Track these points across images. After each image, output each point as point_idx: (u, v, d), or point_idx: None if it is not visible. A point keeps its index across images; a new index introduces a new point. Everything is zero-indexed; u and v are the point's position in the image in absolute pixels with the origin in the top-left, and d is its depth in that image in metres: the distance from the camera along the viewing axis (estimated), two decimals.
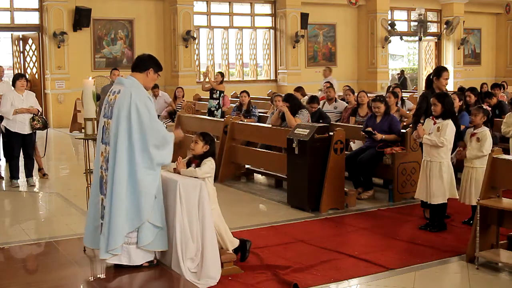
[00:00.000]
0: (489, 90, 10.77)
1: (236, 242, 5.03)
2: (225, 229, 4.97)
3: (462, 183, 6.16)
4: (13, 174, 8.62)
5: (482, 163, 6.11)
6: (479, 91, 9.31)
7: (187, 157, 5.09)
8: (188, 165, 4.99)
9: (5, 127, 8.47)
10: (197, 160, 4.95)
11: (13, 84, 8.67)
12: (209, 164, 4.89)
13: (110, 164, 4.60)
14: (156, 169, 4.62)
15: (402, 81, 21.93)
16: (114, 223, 4.52)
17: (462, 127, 7.87)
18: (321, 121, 8.59)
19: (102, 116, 4.80)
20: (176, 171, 4.90)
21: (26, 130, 8.45)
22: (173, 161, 5.03)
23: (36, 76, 16.53)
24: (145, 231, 4.59)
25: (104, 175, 4.69)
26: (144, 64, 4.84)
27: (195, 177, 4.75)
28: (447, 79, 6.78)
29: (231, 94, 14.45)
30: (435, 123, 6.07)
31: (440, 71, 6.91)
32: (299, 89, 11.57)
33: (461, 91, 9.40)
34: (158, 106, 12.56)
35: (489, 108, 7.98)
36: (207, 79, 12.32)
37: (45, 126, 8.60)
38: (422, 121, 6.74)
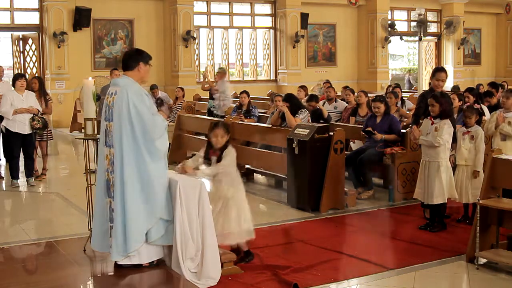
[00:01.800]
0: (490, 89, 10.74)
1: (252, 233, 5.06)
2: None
3: (457, 182, 6.18)
4: (13, 174, 8.62)
5: (475, 163, 6.14)
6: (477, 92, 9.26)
7: (199, 153, 5.11)
8: (206, 158, 5.04)
9: (5, 127, 8.47)
10: (217, 152, 4.99)
11: (13, 84, 8.66)
12: (232, 154, 4.99)
13: (116, 166, 4.59)
14: (163, 157, 4.68)
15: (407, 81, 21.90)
16: (132, 224, 4.51)
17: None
18: (321, 121, 8.60)
19: (103, 119, 4.80)
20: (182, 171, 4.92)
21: (26, 130, 8.44)
22: (175, 161, 5.04)
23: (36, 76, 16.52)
24: (156, 225, 4.60)
25: (111, 178, 4.67)
26: (131, 61, 4.81)
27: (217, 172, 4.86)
28: (440, 80, 6.75)
29: (231, 94, 14.42)
30: (433, 123, 6.07)
31: (434, 71, 6.94)
32: (302, 88, 11.65)
33: (456, 89, 9.41)
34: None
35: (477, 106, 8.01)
36: (206, 80, 12.34)
37: (45, 126, 8.60)
38: (421, 121, 6.75)
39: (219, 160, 4.96)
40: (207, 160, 5.02)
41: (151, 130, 4.57)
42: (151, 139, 4.57)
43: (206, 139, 5.34)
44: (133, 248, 4.53)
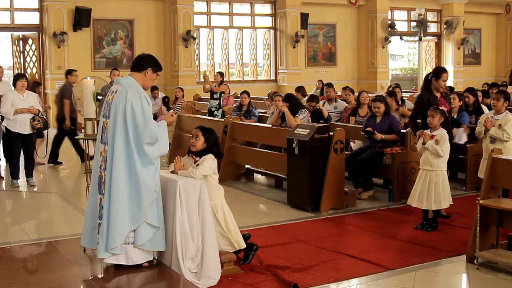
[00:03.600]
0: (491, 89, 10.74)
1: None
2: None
3: (417, 186, 6.10)
4: (13, 174, 8.61)
5: (440, 166, 6.03)
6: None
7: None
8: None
9: (5, 127, 8.47)
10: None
11: (14, 84, 8.65)
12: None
13: (108, 163, 4.61)
14: (155, 162, 4.64)
15: None
16: (114, 222, 4.52)
17: (463, 126, 7.88)
18: (321, 121, 8.60)
19: (101, 116, 4.82)
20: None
21: (26, 130, 8.43)
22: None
23: (36, 76, 16.52)
24: (141, 230, 4.59)
25: (103, 175, 4.69)
26: (142, 63, 4.83)
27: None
28: (445, 80, 6.72)
29: (231, 94, 14.44)
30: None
31: (439, 72, 6.79)
32: (299, 89, 11.61)
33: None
34: (157, 107, 12.59)
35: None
36: (207, 85, 12.36)
37: (45, 126, 8.59)
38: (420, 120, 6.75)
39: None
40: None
41: (142, 134, 4.55)
42: (140, 143, 4.56)
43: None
44: (112, 246, 4.53)
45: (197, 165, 4.85)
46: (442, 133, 6.08)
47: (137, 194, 4.56)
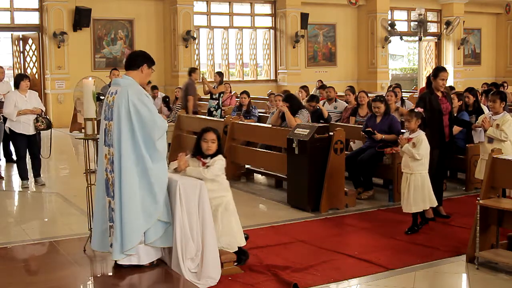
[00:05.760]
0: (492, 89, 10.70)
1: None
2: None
3: (403, 190, 6.05)
4: (22, 175, 8.51)
5: (419, 168, 5.94)
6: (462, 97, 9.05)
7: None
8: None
9: (9, 128, 8.41)
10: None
11: (17, 85, 8.57)
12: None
13: (115, 165, 4.60)
14: (164, 156, 4.69)
15: None
16: (128, 223, 4.51)
17: (459, 129, 7.89)
18: (321, 121, 8.60)
19: (103, 119, 4.81)
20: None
21: (30, 130, 8.35)
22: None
23: (36, 76, 16.54)
24: (154, 227, 4.60)
25: (110, 177, 4.68)
26: (136, 61, 4.84)
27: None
28: (443, 79, 6.70)
29: (233, 93, 14.44)
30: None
31: (437, 71, 6.77)
32: (304, 87, 11.67)
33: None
34: (157, 107, 12.60)
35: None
36: (206, 87, 12.39)
37: (49, 126, 8.53)
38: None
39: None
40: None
41: (151, 131, 4.57)
42: (150, 139, 4.58)
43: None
44: (128, 247, 4.54)
45: (207, 166, 4.87)
46: (419, 135, 5.97)
47: (151, 191, 4.55)
